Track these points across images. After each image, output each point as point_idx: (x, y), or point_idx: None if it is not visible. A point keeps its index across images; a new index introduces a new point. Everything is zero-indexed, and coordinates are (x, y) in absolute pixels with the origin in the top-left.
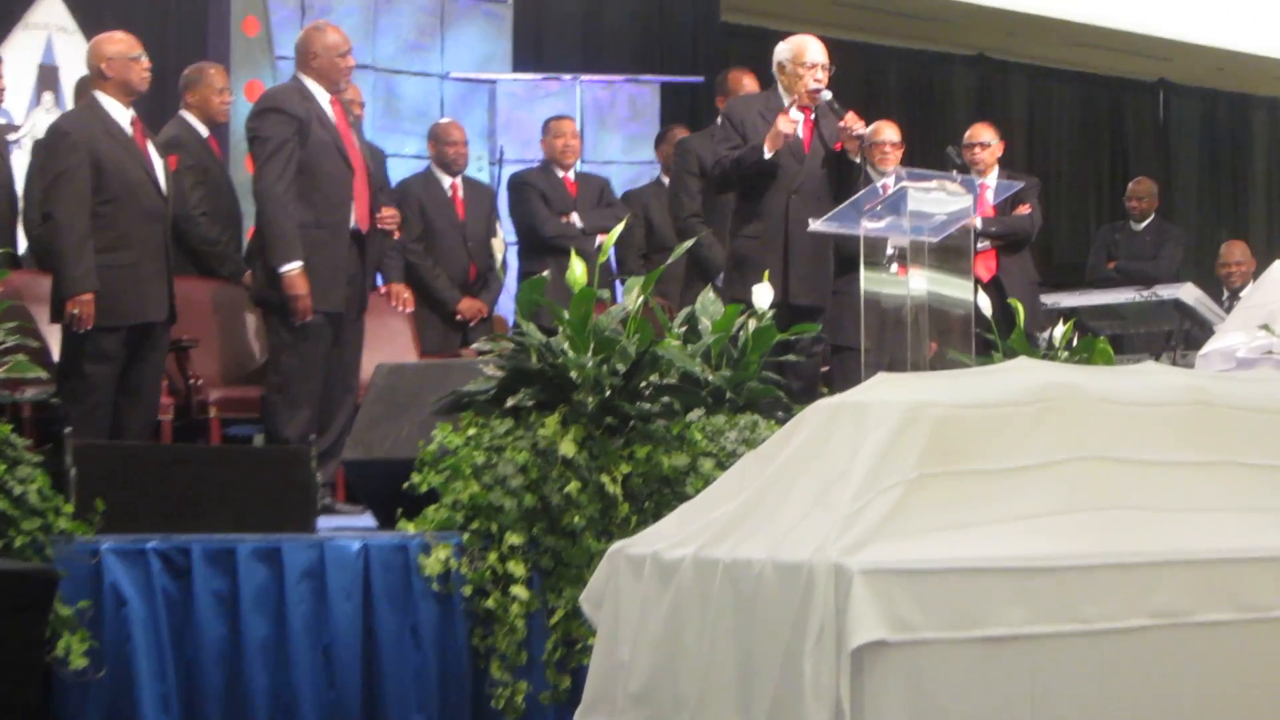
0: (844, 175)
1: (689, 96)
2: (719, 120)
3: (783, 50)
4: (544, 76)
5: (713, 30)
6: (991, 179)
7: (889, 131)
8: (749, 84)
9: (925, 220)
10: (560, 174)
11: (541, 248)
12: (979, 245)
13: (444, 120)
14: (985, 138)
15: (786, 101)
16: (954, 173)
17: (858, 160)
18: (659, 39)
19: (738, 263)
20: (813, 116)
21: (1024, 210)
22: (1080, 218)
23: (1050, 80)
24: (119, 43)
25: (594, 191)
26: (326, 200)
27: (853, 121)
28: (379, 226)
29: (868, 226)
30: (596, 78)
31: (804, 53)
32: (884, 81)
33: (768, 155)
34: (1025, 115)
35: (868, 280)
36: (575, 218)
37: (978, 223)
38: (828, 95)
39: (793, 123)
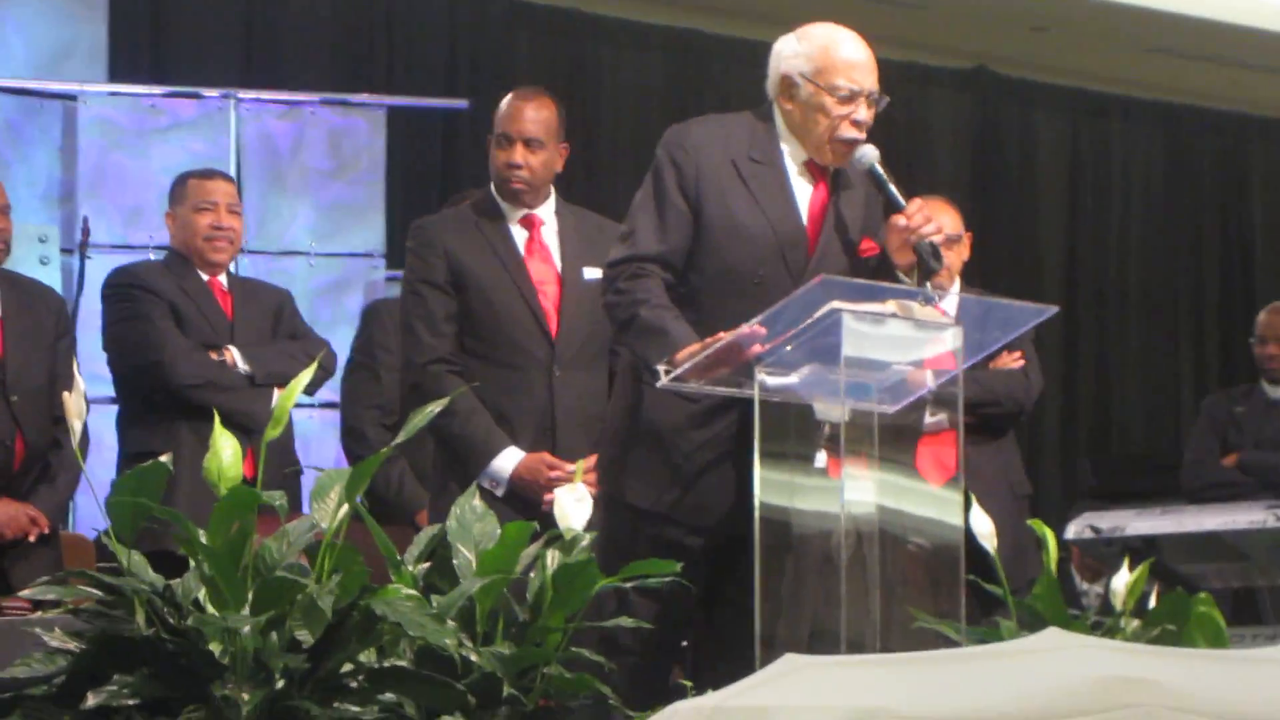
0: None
1: (440, 131)
2: (661, 161)
3: (798, 51)
4: (168, 91)
5: (494, 13)
6: (951, 299)
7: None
8: None
9: (873, 374)
10: (205, 276)
11: (167, 407)
12: (925, 422)
13: None
14: (942, 223)
15: (786, 150)
16: (927, 285)
17: (926, 291)
18: (385, 28)
19: (636, 439)
20: (827, 188)
21: (1011, 361)
22: (1163, 369)
23: (1092, 109)
24: None
25: (263, 313)
26: None
27: (920, 219)
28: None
29: (767, 383)
30: (269, 95)
31: (838, 63)
32: None
33: (661, 371)
34: (1061, 171)
35: (768, 487)
36: (235, 354)
37: (928, 380)
38: (872, 155)
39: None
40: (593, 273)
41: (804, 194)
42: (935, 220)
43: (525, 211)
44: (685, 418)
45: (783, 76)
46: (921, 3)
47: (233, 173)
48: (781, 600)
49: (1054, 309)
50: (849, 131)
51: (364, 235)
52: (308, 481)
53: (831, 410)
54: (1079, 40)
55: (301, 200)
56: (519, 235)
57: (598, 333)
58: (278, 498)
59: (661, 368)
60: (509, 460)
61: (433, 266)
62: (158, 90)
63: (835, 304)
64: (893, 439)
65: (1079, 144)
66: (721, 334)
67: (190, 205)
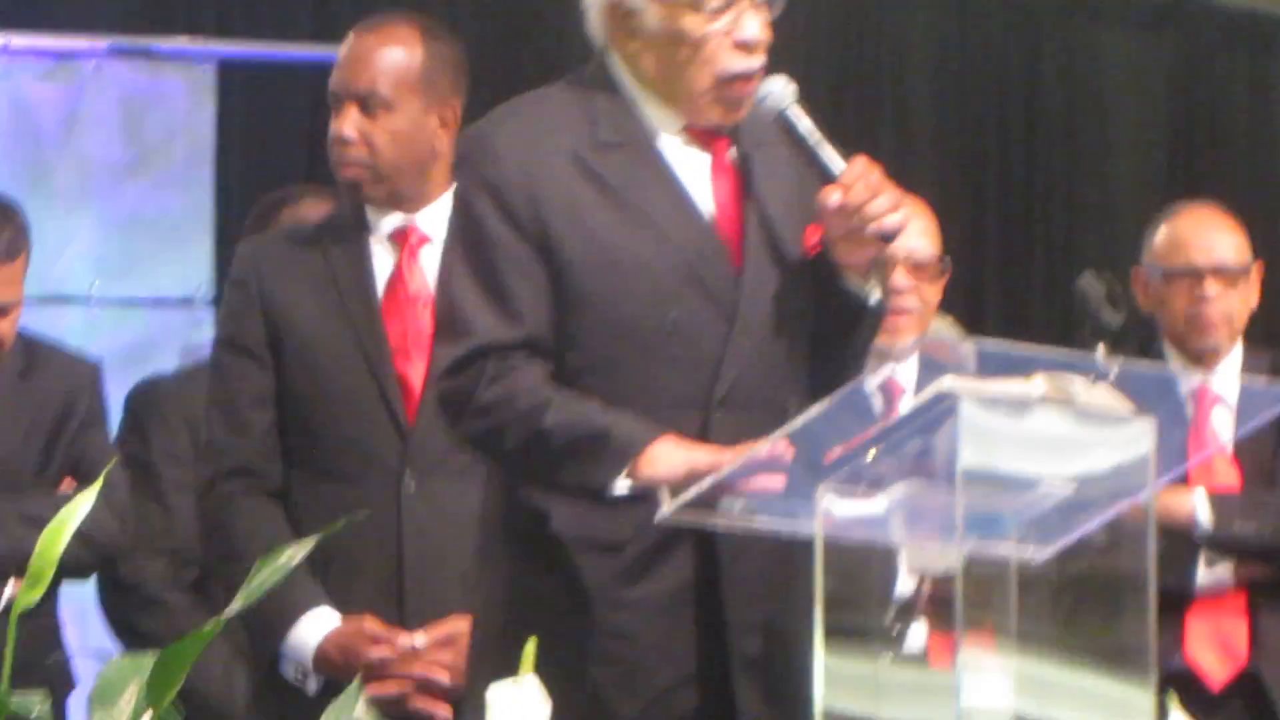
0: (835, 336)
1: (307, 99)
2: (466, 192)
3: None
4: None
5: None
6: (1228, 377)
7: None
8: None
9: (1010, 498)
10: None
11: None
12: (1201, 582)
13: None
14: (1220, 249)
15: (652, 117)
16: (1099, 349)
17: (875, 297)
18: None
19: (530, 623)
20: (733, 157)
21: None
22: None
23: None
24: None
25: (31, 428)
26: None
27: (861, 190)
28: None
29: (835, 512)
30: (26, 41)
31: None
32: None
33: (619, 489)
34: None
35: (835, 683)
36: None
37: (1200, 513)
38: (785, 93)
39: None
40: None
41: (699, 178)
42: (890, 191)
43: (400, 220)
44: (611, 575)
45: (610, 6)
46: None
47: None
48: None
49: None
50: (737, 60)
51: (180, 269)
52: (83, 676)
53: (936, 557)
54: None
55: (79, 211)
56: (383, 261)
57: None
58: (35, 703)
59: (625, 484)
60: (314, 630)
61: (243, 319)
62: None
63: (947, 383)
64: (1102, 603)
65: None
66: (731, 450)
67: None
